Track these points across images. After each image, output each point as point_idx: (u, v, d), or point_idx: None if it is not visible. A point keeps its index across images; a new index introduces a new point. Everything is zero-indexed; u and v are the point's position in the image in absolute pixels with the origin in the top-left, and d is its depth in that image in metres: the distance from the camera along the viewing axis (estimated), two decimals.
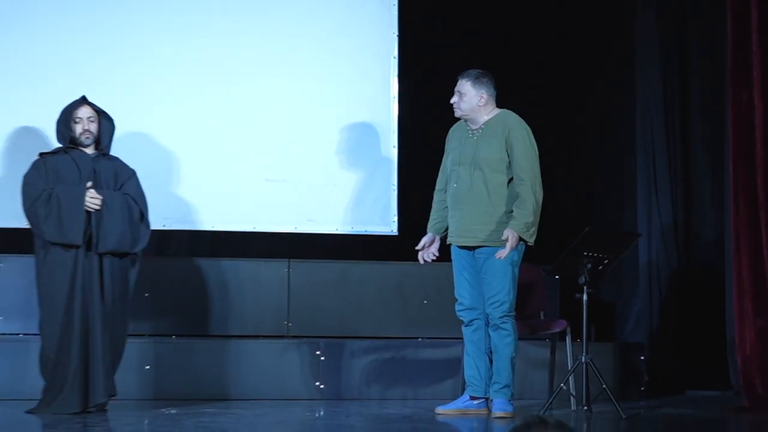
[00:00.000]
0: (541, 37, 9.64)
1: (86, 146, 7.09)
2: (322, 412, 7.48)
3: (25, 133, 8.11)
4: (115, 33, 8.33)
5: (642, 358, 8.51)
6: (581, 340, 7.20)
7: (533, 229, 6.98)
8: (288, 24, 8.50)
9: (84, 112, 7.08)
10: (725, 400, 8.14)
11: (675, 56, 9.17)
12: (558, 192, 9.40)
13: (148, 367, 7.79)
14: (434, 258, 7.30)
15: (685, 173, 9.13)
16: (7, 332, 8.06)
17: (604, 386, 7.06)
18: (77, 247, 6.88)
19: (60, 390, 6.85)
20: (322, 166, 8.44)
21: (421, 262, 7.34)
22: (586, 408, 7.17)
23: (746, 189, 7.73)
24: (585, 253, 7.13)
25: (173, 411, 7.10)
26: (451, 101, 7.19)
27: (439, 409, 7.25)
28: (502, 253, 6.89)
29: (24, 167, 7.16)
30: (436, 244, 7.29)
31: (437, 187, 7.37)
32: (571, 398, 7.45)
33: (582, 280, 7.15)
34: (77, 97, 7.16)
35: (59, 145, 7.14)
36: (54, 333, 6.87)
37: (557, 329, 7.73)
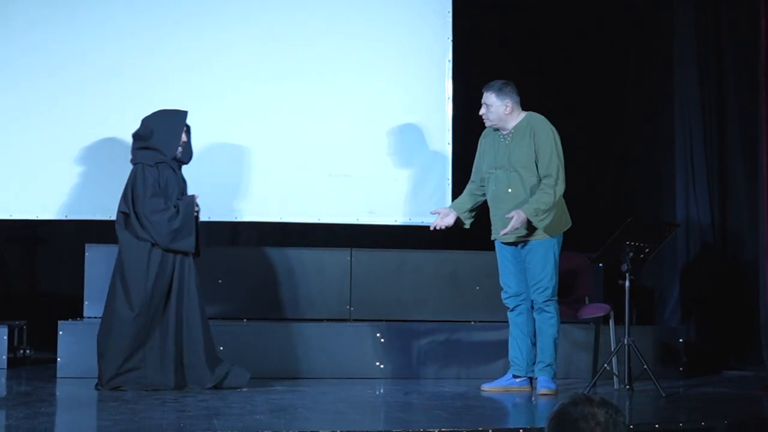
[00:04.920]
0: (585, 39, 9.61)
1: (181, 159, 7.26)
2: (381, 390, 7.50)
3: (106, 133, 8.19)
4: (182, 34, 8.31)
5: (681, 340, 8.42)
6: (624, 323, 7.23)
7: (543, 216, 7.00)
8: (351, 30, 8.47)
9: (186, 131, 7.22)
10: (759, 379, 8.10)
11: (711, 58, 9.12)
12: (601, 186, 9.42)
13: (221, 348, 7.74)
14: (443, 228, 7.38)
15: (721, 167, 9.08)
16: (92, 316, 8.11)
17: (645, 366, 7.07)
18: (186, 253, 7.08)
19: (152, 369, 7.00)
20: (381, 161, 8.41)
21: (431, 228, 7.43)
22: (628, 387, 7.18)
23: None
24: (627, 242, 7.15)
25: (245, 389, 7.10)
26: (480, 113, 7.25)
27: (485, 386, 7.36)
28: (507, 231, 6.98)
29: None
30: (450, 219, 7.36)
31: (471, 178, 7.49)
32: (614, 378, 7.48)
33: (624, 267, 7.18)
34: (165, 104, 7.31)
35: (153, 152, 7.15)
36: (145, 323, 7.00)
37: (601, 313, 7.76)
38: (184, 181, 7.28)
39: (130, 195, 7.07)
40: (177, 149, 7.15)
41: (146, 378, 6.99)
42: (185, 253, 7.11)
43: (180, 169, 7.28)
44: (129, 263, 7.05)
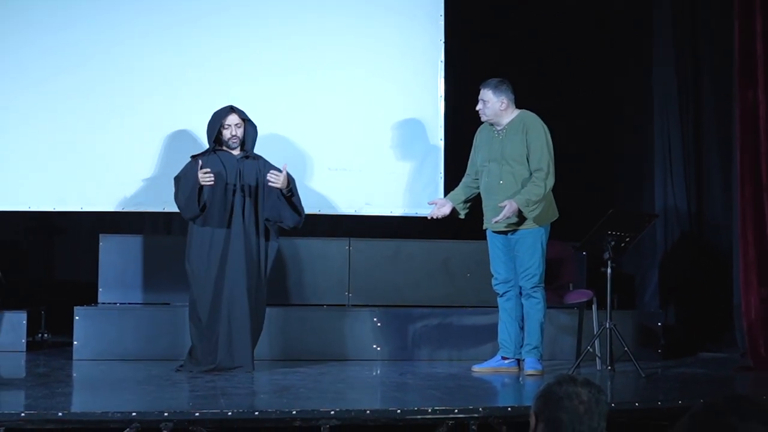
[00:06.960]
0: (569, 42, 9.62)
1: (233, 149, 7.25)
2: (378, 371, 7.55)
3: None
4: (186, 34, 8.27)
5: (659, 324, 8.43)
6: (606, 308, 7.24)
7: (533, 207, 7.05)
8: (349, 30, 8.43)
9: (232, 119, 7.20)
10: (733, 360, 8.10)
11: (689, 57, 9.10)
12: (585, 178, 9.36)
13: None
14: (439, 218, 7.42)
15: (697, 161, 9.07)
16: (106, 302, 8.19)
17: (625, 349, 7.10)
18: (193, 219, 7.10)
19: (207, 353, 7.06)
20: (378, 156, 8.43)
21: (429, 218, 7.47)
22: (609, 368, 7.23)
23: (751, 175, 7.76)
24: (609, 232, 7.18)
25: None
26: (477, 108, 7.29)
27: (475, 368, 7.39)
28: (499, 219, 7.02)
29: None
30: (447, 209, 7.40)
31: (466, 171, 7.53)
32: (597, 359, 7.51)
33: (606, 255, 7.22)
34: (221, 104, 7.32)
35: (208, 146, 7.26)
36: (204, 305, 7.07)
37: (584, 299, 7.79)
38: (239, 168, 7.21)
39: None
40: (211, 141, 7.20)
41: (197, 358, 7.09)
42: (192, 220, 7.11)
43: (244, 158, 7.25)
44: (186, 246, 7.21)
